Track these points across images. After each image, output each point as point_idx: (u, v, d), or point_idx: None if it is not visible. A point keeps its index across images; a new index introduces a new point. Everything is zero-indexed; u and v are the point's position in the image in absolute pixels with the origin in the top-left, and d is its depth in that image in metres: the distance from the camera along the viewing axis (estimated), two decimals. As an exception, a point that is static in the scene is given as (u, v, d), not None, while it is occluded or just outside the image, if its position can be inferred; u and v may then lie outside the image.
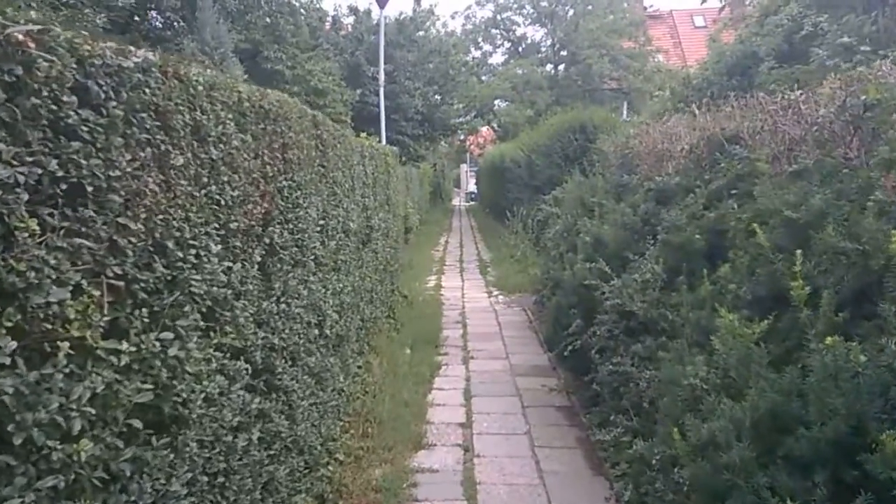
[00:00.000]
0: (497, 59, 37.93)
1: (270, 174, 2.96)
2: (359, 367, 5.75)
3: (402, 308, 8.96)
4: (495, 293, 11.08)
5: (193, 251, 2.13)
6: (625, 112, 26.11)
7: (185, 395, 2.14)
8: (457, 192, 55.63)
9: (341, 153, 4.84)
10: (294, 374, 3.42)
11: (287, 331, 3.30)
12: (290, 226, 3.34)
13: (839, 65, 6.97)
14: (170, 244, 1.96)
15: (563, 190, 8.85)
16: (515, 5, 36.16)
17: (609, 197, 6.88)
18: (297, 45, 15.98)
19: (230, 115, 2.49)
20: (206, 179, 2.24)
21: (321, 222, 4.05)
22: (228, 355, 2.55)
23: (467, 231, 24.59)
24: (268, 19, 13.97)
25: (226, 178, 2.41)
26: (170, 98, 1.98)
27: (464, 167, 57.20)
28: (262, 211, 2.86)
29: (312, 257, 3.81)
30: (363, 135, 8.93)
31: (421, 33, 23.17)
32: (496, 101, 34.69)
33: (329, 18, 22.05)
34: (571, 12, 34.59)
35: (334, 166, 4.52)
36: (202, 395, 2.28)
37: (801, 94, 4.06)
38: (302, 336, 3.56)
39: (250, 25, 13.75)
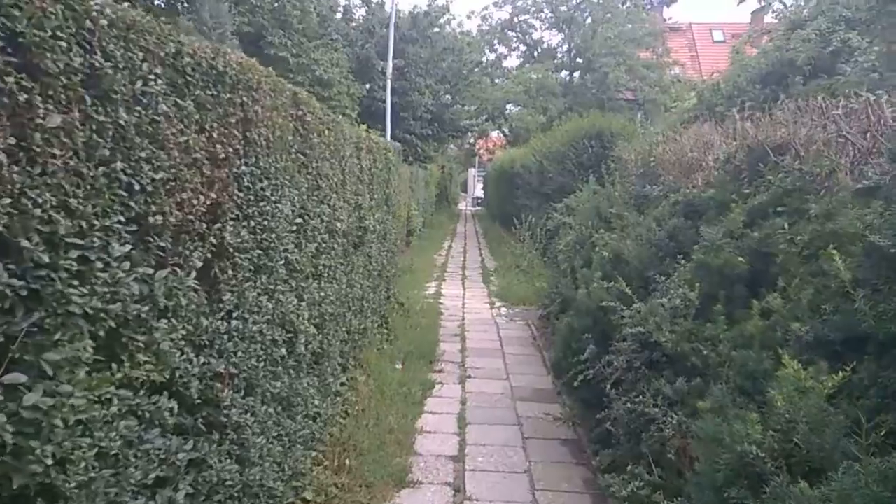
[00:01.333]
0: (512, 62, 37.37)
1: (222, 156, 2.33)
2: (342, 385, 5.11)
3: (397, 317, 8.32)
4: (498, 304, 10.43)
5: (76, 253, 1.50)
6: (638, 123, 25.46)
7: (59, 454, 1.51)
8: (464, 196, 55.01)
9: (330, 141, 4.22)
10: (248, 406, 2.78)
11: (241, 353, 2.67)
12: (252, 223, 2.71)
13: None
14: (27, 242, 1.34)
15: (577, 199, 8.20)
16: (533, 9, 35.60)
17: (629, 208, 6.25)
18: (304, 33, 15.41)
19: (159, 71, 1.87)
20: (106, 152, 1.61)
21: (298, 220, 3.42)
22: (143, 391, 1.92)
23: (472, 237, 23.95)
24: (274, 3, 13.38)
25: (144, 155, 1.78)
26: (41, 27, 1.35)
27: (472, 171, 56.56)
28: (208, 202, 2.23)
29: (283, 262, 3.18)
30: (364, 127, 8.33)
31: (435, 30, 22.57)
32: (508, 106, 34.09)
33: (340, 8, 21.53)
34: (590, 19, 34.01)
35: (319, 155, 3.90)
36: (93, 452, 1.65)
37: (880, 95, 3.40)
38: (263, 358, 2.93)
39: (255, 8, 13.17)
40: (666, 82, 30.28)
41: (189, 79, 2.07)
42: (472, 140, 42.58)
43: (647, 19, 33.89)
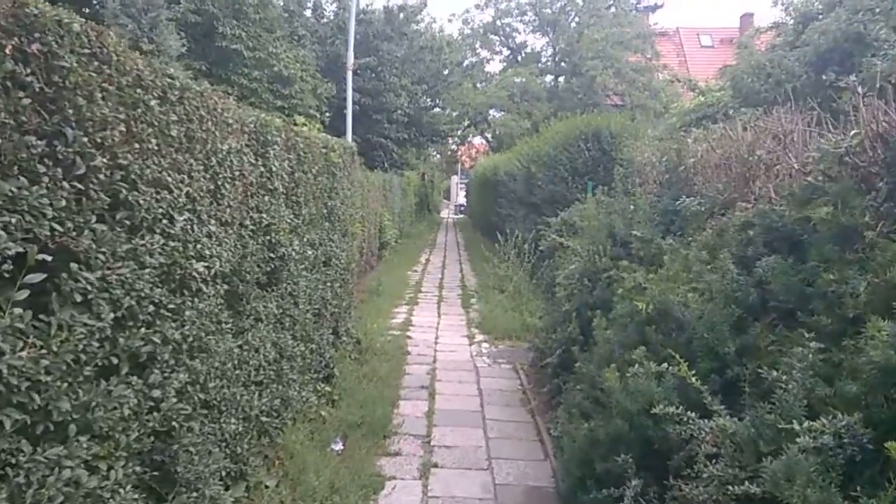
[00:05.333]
0: (495, 66, 35.90)
1: None
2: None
3: (348, 364, 6.46)
4: (478, 338, 8.60)
5: None
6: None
7: None
8: (446, 203, 53.35)
9: (195, 127, 2.38)
10: None
11: None
12: None
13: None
14: None
15: (578, 213, 6.43)
16: (517, 11, 34.14)
17: (653, 229, 4.49)
18: (262, 25, 13.53)
19: None
20: None
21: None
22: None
23: (452, 248, 22.15)
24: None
25: None
26: None
27: (454, 178, 55.06)
28: None
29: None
30: (301, 119, 6.54)
31: (413, 26, 20.79)
32: (491, 111, 32.49)
33: (310, 4, 19.67)
34: (575, 22, 32.65)
35: (167, 146, 2.06)
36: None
37: None
38: None
39: (204, -4, 11.28)
40: (656, 86, 28.92)
41: None
42: (454, 146, 40.93)
43: (635, 22, 32.63)
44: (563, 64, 33.37)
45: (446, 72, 22.56)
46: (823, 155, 3.05)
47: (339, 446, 4.75)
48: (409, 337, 8.51)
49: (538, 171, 11.17)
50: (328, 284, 5.71)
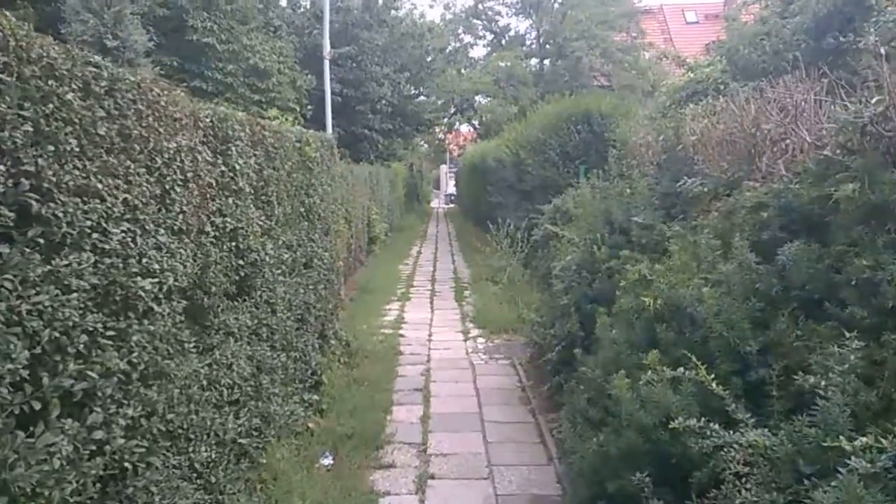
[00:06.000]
0: (479, 51, 35.32)
1: None
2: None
3: (337, 369, 6.15)
4: (473, 333, 8.31)
5: None
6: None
7: None
8: (436, 193, 52.87)
9: (132, 124, 2.04)
10: None
11: None
12: None
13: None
14: None
15: (572, 199, 6.12)
16: (499, -7, 33.56)
17: (654, 214, 4.20)
18: (234, 16, 13.05)
19: None
20: None
21: None
22: None
23: (444, 239, 21.83)
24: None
25: None
26: None
27: (444, 168, 54.55)
28: None
29: None
30: (273, 112, 6.19)
31: (392, 13, 20.27)
32: (477, 98, 32.02)
33: (286, -6, 19.10)
34: (558, 3, 32.15)
35: (95, 148, 1.72)
36: None
37: None
38: None
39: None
40: (643, 65, 28.56)
41: None
42: (441, 135, 40.43)
43: (619, 1, 32.16)
44: (547, 46, 32.91)
45: (429, 58, 22.09)
46: (843, 126, 2.74)
47: (328, 461, 4.45)
48: (402, 335, 8.20)
49: (527, 157, 10.84)
50: (311, 287, 5.39)
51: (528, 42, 34.04)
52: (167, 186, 2.50)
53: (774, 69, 5.28)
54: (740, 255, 2.46)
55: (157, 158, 2.43)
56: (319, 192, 5.65)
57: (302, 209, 5.09)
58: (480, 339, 8.00)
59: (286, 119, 5.29)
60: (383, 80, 19.18)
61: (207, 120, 3.05)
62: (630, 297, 3.27)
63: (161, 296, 2.46)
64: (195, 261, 2.87)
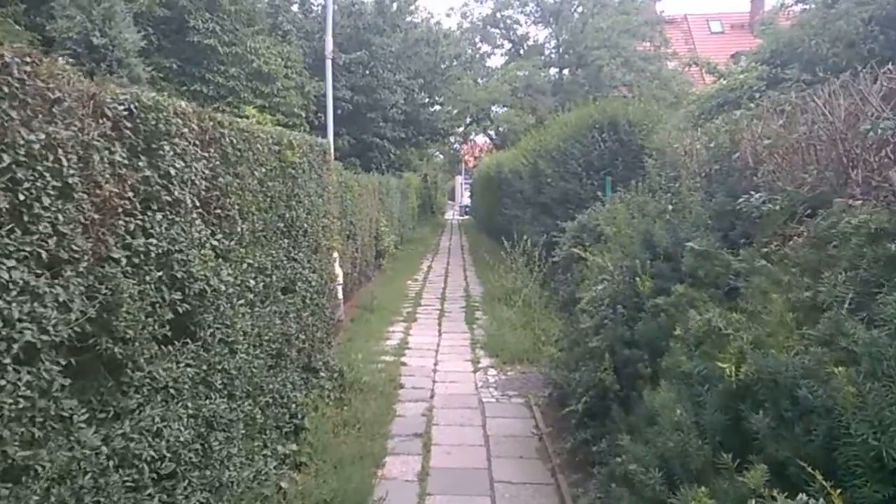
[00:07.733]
0: (496, 61, 34.67)
1: None
2: None
3: (326, 407, 5.32)
4: (484, 363, 7.44)
5: None
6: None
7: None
8: (451, 204, 52.07)
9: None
10: None
11: None
12: None
13: None
14: None
15: (603, 216, 5.24)
16: (518, 2, 32.86)
17: (709, 236, 3.33)
18: (238, 17, 12.43)
19: None
20: None
21: None
22: None
23: (457, 252, 20.98)
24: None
25: None
26: None
27: (459, 178, 53.83)
28: None
29: None
30: (251, 111, 5.44)
31: (407, 18, 19.62)
32: (494, 107, 31.27)
33: (297, -1, 18.55)
34: (579, 12, 31.36)
35: None
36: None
37: None
38: None
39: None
40: (666, 75, 27.60)
41: None
42: (456, 146, 39.76)
43: (641, 9, 31.31)
44: (567, 55, 32.10)
45: (444, 65, 21.34)
46: None
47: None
48: (404, 363, 7.35)
49: (546, 167, 9.98)
50: (292, 316, 4.57)
51: (547, 51, 33.25)
52: (22, 197, 1.70)
53: (847, 63, 4.39)
54: (890, 311, 1.59)
55: (3, 156, 1.63)
56: (305, 204, 4.85)
57: (281, 224, 4.29)
58: (492, 371, 7.12)
59: (264, 119, 4.57)
60: (396, 86, 18.49)
61: (121, 108, 2.25)
62: (691, 354, 2.39)
63: (7, 359, 1.64)
64: (91, 300, 2.06)
